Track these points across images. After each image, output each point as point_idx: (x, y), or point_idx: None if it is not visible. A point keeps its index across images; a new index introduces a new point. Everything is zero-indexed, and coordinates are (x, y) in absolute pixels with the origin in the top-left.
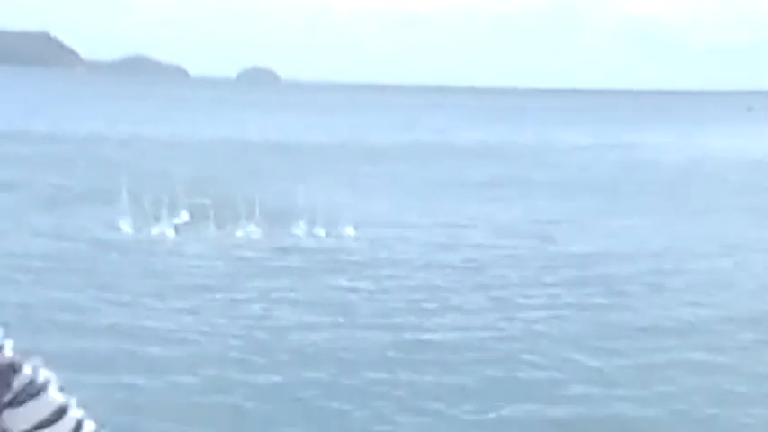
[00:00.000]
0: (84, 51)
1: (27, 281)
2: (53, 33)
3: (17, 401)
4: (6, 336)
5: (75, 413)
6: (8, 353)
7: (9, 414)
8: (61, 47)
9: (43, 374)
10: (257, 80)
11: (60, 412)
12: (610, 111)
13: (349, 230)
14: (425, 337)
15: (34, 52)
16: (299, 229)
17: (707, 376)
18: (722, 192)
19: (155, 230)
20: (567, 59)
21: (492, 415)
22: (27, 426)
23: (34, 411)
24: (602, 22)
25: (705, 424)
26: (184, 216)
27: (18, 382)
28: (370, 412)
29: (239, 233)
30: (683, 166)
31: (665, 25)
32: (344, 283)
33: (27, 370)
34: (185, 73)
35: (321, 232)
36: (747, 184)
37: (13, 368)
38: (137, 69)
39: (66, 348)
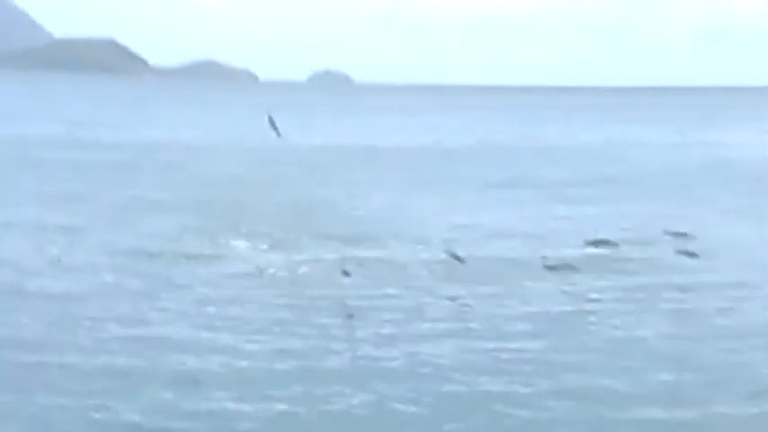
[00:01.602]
0: (152, 57)
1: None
2: (120, 40)
3: None
4: None
5: None
6: None
7: None
8: (128, 53)
9: None
10: (329, 83)
11: None
12: (689, 108)
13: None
14: None
15: (101, 59)
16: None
17: None
18: None
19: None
20: (642, 57)
21: None
22: None
23: None
24: (677, 18)
25: None
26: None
27: None
28: None
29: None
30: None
31: (741, 20)
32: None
33: None
34: (255, 77)
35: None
36: None
37: None
38: (205, 74)
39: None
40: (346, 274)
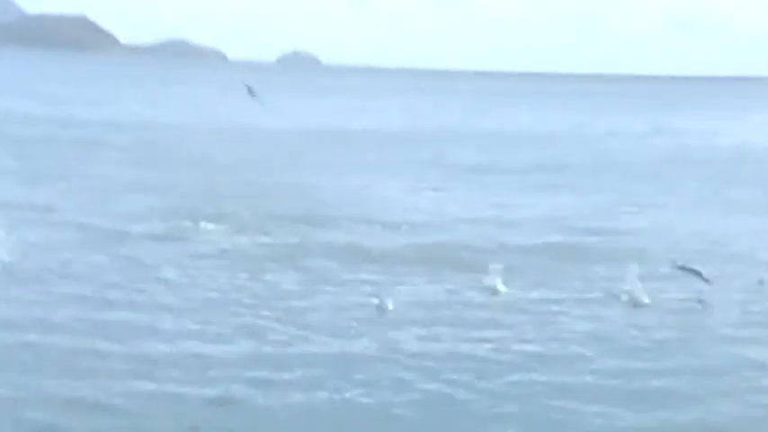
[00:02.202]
0: (123, 35)
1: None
2: (92, 17)
3: None
4: None
5: None
6: None
7: None
8: (99, 31)
9: None
10: (298, 64)
11: None
12: (653, 97)
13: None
14: None
15: (72, 36)
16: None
17: None
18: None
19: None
20: (608, 44)
21: None
22: None
23: None
24: (647, 7)
25: None
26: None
27: None
28: None
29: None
30: (726, 153)
31: (710, 9)
32: None
33: None
34: (224, 57)
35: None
36: None
37: None
38: (175, 53)
39: None
40: (312, 257)
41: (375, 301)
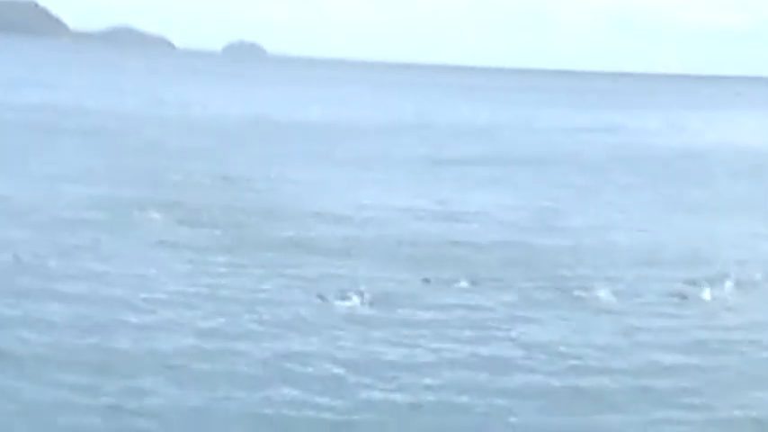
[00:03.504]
0: (72, 21)
1: None
2: (41, 2)
3: None
4: None
5: None
6: None
7: None
8: (49, 16)
9: None
10: (243, 54)
11: None
12: (593, 93)
13: None
14: None
15: (21, 21)
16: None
17: None
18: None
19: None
20: (548, 40)
21: None
22: None
23: None
24: (590, 4)
25: None
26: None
27: None
28: None
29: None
30: (665, 151)
31: (655, 7)
32: None
33: None
34: (171, 45)
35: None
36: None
37: None
38: (122, 40)
39: None
40: (256, 249)
41: (318, 296)
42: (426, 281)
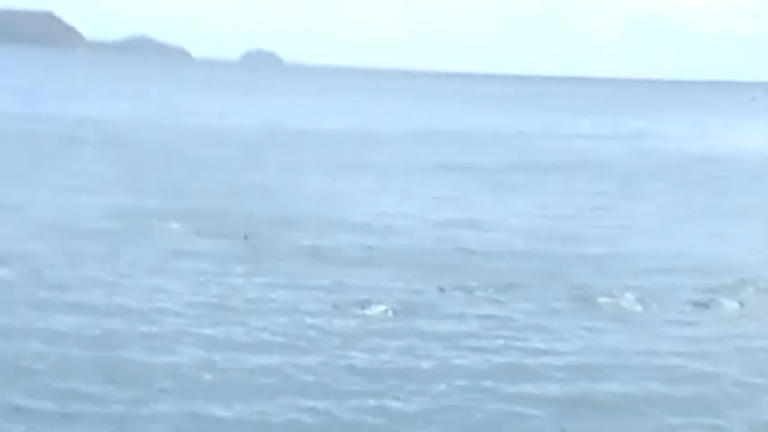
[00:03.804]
0: (88, 31)
1: None
2: (57, 13)
3: None
4: None
5: None
6: None
7: None
8: (65, 27)
9: None
10: (260, 63)
11: None
12: (615, 100)
13: None
14: None
15: (38, 32)
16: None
17: None
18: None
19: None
20: (573, 47)
21: None
22: None
23: None
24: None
25: None
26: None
27: None
28: None
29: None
30: (687, 157)
31: (674, 13)
32: None
33: None
34: (188, 54)
35: None
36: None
37: None
38: (139, 50)
39: None
40: (274, 258)
41: (335, 306)
42: (444, 290)
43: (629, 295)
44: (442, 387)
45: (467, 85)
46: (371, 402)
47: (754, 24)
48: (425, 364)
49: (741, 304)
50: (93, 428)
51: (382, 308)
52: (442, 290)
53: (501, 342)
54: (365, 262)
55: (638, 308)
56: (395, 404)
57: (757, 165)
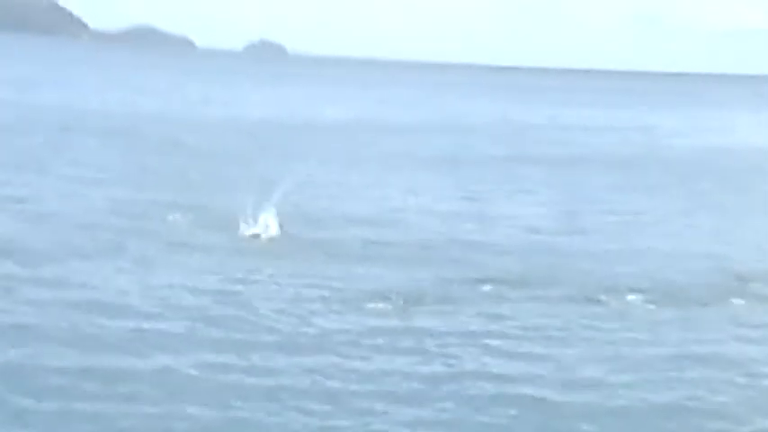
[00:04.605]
0: (92, 21)
1: None
2: (61, 2)
3: None
4: None
5: None
6: None
7: None
8: (69, 16)
9: None
10: (264, 53)
11: None
12: (620, 93)
13: None
14: None
15: (42, 20)
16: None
17: None
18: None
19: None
20: (576, 39)
21: None
22: None
23: None
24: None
25: None
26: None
27: None
28: None
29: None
30: (684, 151)
31: (679, 4)
32: None
33: None
34: (192, 44)
35: None
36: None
37: None
38: (143, 40)
39: None
40: (281, 252)
41: (341, 301)
42: (449, 285)
43: (634, 292)
44: (445, 387)
45: (472, 77)
46: (372, 403)
47: (761, 17)
48: (430, 363)
49: (745, 301)
50: (93, 428)
51: (387, 303)
52: (447, 285)
53: (506, 341)
54: (372, 257)
55: (643, 305)
56: (395, 404)
57: (765, 159)
